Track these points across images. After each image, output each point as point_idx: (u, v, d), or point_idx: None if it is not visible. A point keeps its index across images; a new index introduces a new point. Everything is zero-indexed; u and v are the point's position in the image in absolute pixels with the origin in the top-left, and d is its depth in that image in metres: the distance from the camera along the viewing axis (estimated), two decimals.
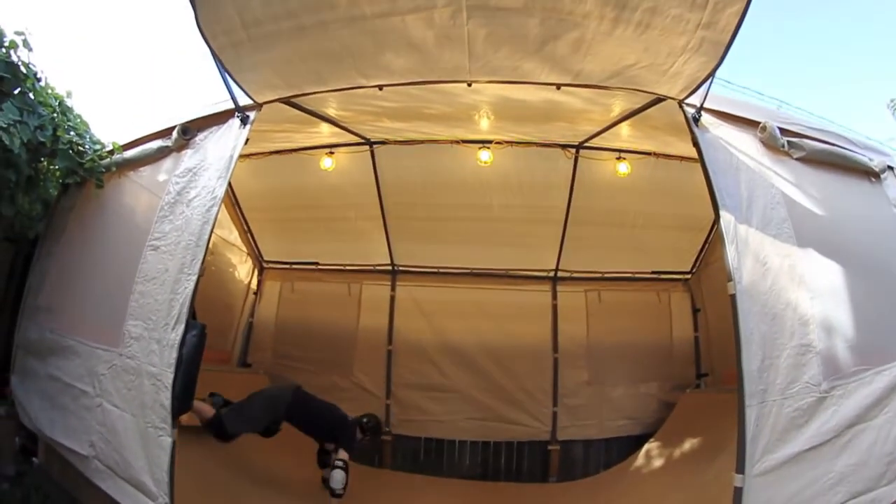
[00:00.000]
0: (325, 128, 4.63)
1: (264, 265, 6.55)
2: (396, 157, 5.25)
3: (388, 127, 4.71)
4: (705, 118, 3.31)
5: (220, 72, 3.23)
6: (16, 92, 3.62)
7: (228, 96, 3.44)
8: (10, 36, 3.57)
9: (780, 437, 2.75)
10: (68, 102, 4.24)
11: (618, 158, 5.03)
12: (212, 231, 3.24)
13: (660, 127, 4.08)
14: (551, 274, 6.22)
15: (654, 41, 2.82)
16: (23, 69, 3.65)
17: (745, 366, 2.75)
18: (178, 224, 3.41)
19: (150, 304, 3.28)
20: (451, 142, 4.99)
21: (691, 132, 3.25)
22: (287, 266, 6.51)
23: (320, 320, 6.28)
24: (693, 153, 3.25)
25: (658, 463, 5.15)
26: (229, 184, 3.56)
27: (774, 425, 2.74)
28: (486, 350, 6.02)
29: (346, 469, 4.02)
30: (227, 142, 3.50)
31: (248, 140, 3.49)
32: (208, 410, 4.02)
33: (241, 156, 3.65)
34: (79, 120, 4.35)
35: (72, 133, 4.15)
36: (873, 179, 3.76)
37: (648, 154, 5.02)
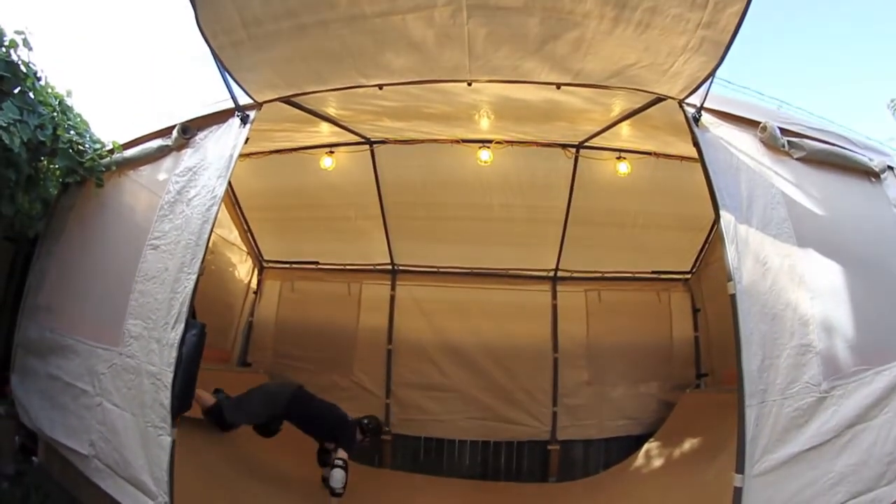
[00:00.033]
0: (325, 127, 4.63)
1: (264, 264, 6.55)
2: (396, 156, 5.25)
3: (388, 126, 4.71)
4: (705, 118, 3.30)
5: (220, 71, 3.23)
6: (16, 91, 3.61)
7: (228, 95, 3.44)
8: (10, 35, 3.56)
9: (780, 437, 2.75)
10: (68, 101, 4.24)
11: (618, 158, 5.02)
12: (212, 230, 3.24)
13: (660, 127, 4.08)
14: (551, 273, 6.22)
15: (654, 41, 2.81)
16: (23, 68, 3.64)
17: (745, 366, 2.75)
18: (178, 223, 3.41)
19: (150, 303, 3.28)
20: (452, 141, 4.98)
21: (691, 132, 3.25)
22: (287, 265, 6.51)
23: (320, 320, 6.28)
24: (693, 153, 3.25)
25: (658, 463, 5.15)
26: (229, 183, 3.56)
27: (774, 425, 2.74)
28: (486, 350, 6.02)
29: (345, 468, 4.03)
30: (227, 141, 3.50)
31: (248, 139, 3.49)
32: (209, 399, 4.15)
33: (241, 155, 3.64)
34: (79, 119, 4.35)
35: (72, 132, 4.15)
36: (873, 179, 3.76)
37: (649, 154, 5.02)
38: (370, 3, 2.74)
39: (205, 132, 3.73)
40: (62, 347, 3.90)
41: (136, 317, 3.33)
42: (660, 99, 3.45)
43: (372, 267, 6.30)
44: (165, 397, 2.98)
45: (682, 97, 3.27)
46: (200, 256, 3.18)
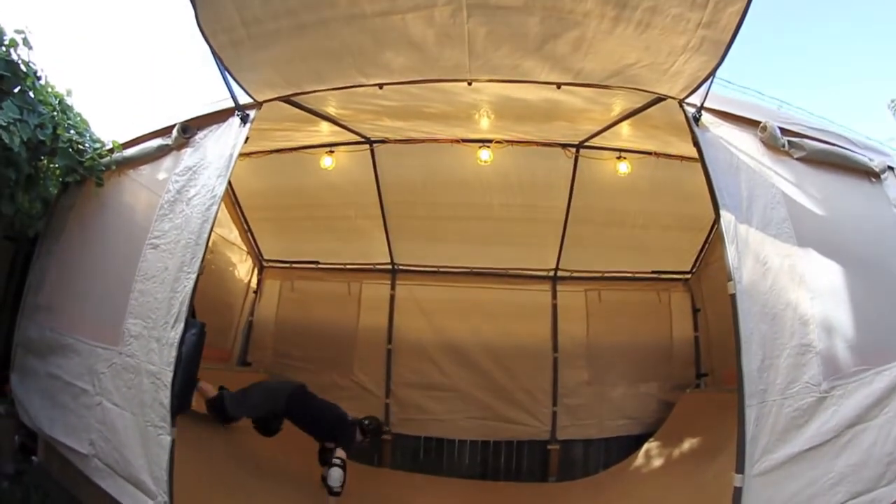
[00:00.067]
0: (325, 126, 4.63)
1: (264, 264, 6.55)
2: (396, 155, 5.25)
3: (388, 126, 4.71)
4: (706, 118, 3.30)
5: (220, 70, 3.23)
6: (16, 90, 3.61)
7: (228, 95, 3.44)
8: (10, 34, 3.56)
9: (779, 437, 2.75)
10: (68, 101, 4.23)
11: (618, 158, 5.02)
12: (211, 229, 3.24)
13: (660, 126, 4.08)
14: (551, 273, 6.22)
15: (654, 40, 2.81)
16: (23, 67, 3.64)
17: (745, 366, 2.75)
18: (178, 222, 3.41)
19: (150, 302, 3.28)
20: (452, 141, 4.98)
21: (692, 131, 3.24)
22: (287, 265, 6.51)
23: (320, 319, 6.28)
24: (693, 153, 3.25)
25: (658, 463, 5.15)
26: (229, 182, 3.56)
27: (774, 425, 2.74)
28: (486, 349, 6.02)
29: (343, 467, 4.03)
30: (226, 140, 3.50)
31: (248, 138, 3.49)
32: (212, 390, 4.29)
33: (241, 154, 3.64)
34: (79, 118, 4.35)
35: (72, 131, 4.14)
36: (873, 179, 3.75)
37: (649, 153, 5.02)
38: (370, 2, 2.73)
39: (205, 131, 3.73)
40: (62, 347, 3.90)
41: (136, 316, 3.33)
42: (660, 99, 3.45)
43: (372, 266, 6.30)
44: (165, 396, 2.98)
45: (682, 97, 3.26)
46: (200, 256, 3.18)
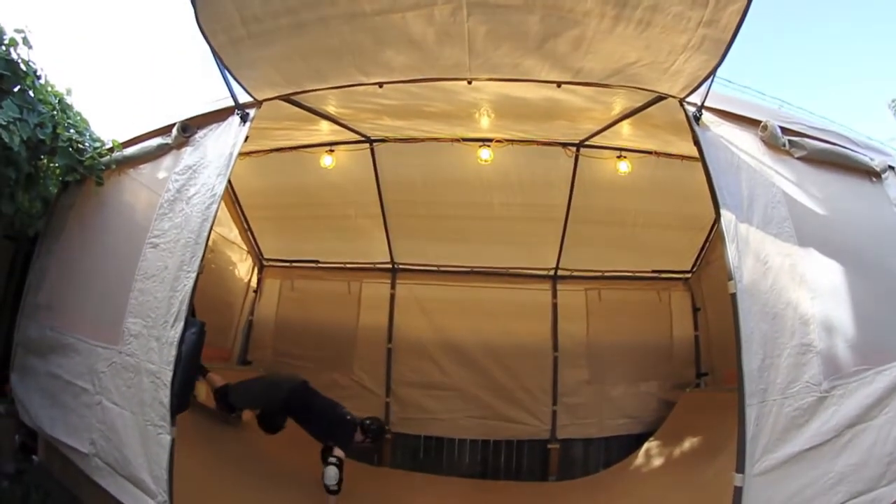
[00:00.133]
0: (325, 125, 4.62)
1: (264, 263, 6.55)
2: (397, 154, 5.24)
3: (388, 125, 4.71)
4: (706, 117, 3.30)
5: (220, 69, 3.23)
6: (15, 89, 3.61)
7: (228, 94, 3.44)
8: (9, 34, 3.55)
9: (780, 437, 2.75)
10: (68, 100, 4.23)
11: (618, 157, 5.02)
12: (211, 228, 3.24)
13: (661, 125, 4.08)
14: (551, 272, 6.22)
15: (655, 39, 2.81)
16: (22, 67, 3.63)
17: (746, 365, 2.75)
18: (178, 221, 3.41)
19: (150, 301, 3.28)
20: (452, 140, 4.97)
21: (692, 131, 3.24)
22: (287, 264, 6.50)
23: (320, 318, 6.28)
24: (694, 152, 3.24)
25: (658, 462, 5.15)
26: (229, 181, 3.56)
27: (775, 425, 2.74)
28: (486, 348, 6.01)
29: (339, 466, 4.03)
30: (226, 139, 3.50)
31: (247, 137, 3.49)
32: (219, 380, 4.48)
33: (241, 153, 3.64)
34: (79, 118, 4.34)
35: (71, 131, 4.14)
36: (874, 179, 3.75)
37: (649, 153, 5.01)
38: (370, 0, 2.73)
39: (204, 130, 3.73)
40: (62, 346, 3.90)
41: (136, 315, 3.33)
42: (660, 97, 3.45)
43: (372, 265, 6.30)
44: (165, 396, 2.98)
45: (682, 96, 3.26)
46: (200, 255, 3.18)
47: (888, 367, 3.07)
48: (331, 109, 4.33)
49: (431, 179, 5.48)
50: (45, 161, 4.18)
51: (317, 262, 6.35)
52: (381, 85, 3.55)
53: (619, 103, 3.94)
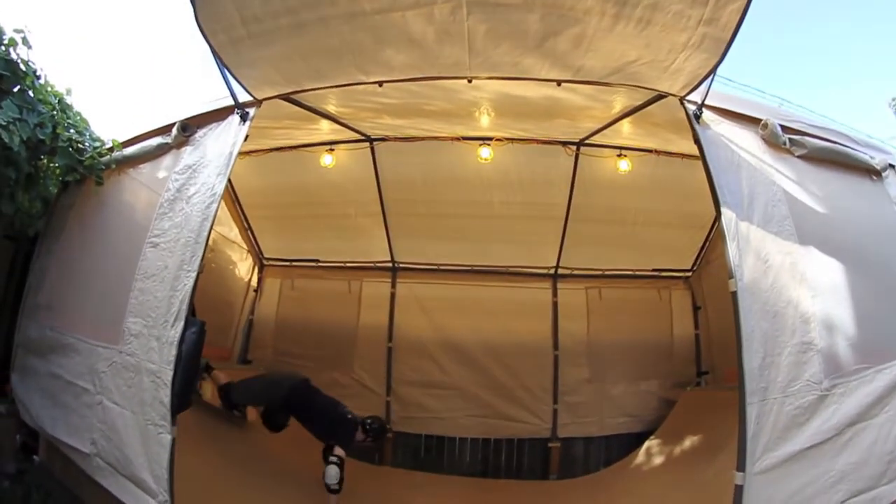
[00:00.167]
0: (325, 124, 4.62)
1: (264, 262, 6.55)
2: (397, 153, 5.24)
3: (388, 123, 4.70)
4: (707, 115, 3.29)
5: (220, 69, 3.23)
6: (15, 90, 3.60)
7: (228, 93, 3.43)
8: (9, 34, 3.55)
9: (780, 435, 2.74)
10: (68, 100, 4.22)
11: (619, 156, 5.01)
12: (211, 228, 3.24)
13: (661, 124, 4.07)
14: (552, 271, 6.22)
15: (655, 37, 2.80)
16: (22, 67, 3.63)
17: (746, 363, 2.75)
18: (178, 221, 3.41)
19: (150, 301, 3.28)
20: (452, 138, 4.97)
21: (692, 129, 3.24)
22: (287, 263, 6.50)
23: (321, 317, 6.28)
24: (694, 150, 3.24)
25: (658, 460, 5.15)
26: (229, 180, 3.56)
27: (775, 423, 2.74)
28: (487, 347, 6.02)
29: (340, 465, 4.04)
30: (226, 138, 3.49)
31: (247, 137, 3.49)
32: (223, 378, 4.61)
33: (241, 152, 3.64)
34: (78, 117, 4.33)
35: (71, 130, 4.13)
36: (875, 177, 3.74)
37: (649, 151, 5.01)
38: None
39: (204, 130, 3.72)
40: (63, 346, 3.90)
41: (136, 315, 3.33)
42: (661, 96, 3.45)
43: (372, 264, 6.30)
44: (165, 395, 2.98)
45: (683, 94, 3.25)
46: (200, 254, 3.18)
47: (889, 365, 3.07)
48: (331, 108, 4.32)
49: (431, 178, 5.48)
50: (45, 161, 4.18)
51: (317, 261, 6.35)
52: (381, 84, 3.55)
53: (620, 102, 3.93)
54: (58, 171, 4.32)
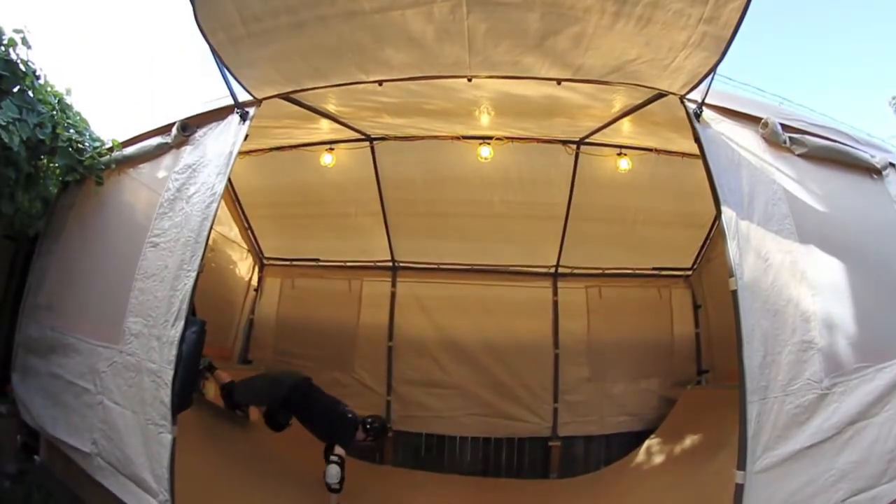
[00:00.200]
0: (325, 124, 4.62)
1: (265, 262, 6.55)
2: (397, 153, 5.24)
3: (388, 123, 4.70)
4: (707, 114, 3.29)
5: (220, 68, 3.23)
6: (15, 90, 3.60)
7: (228, 92, 3.43)
8: (8, 34, 3.55)
9: (781, 434, 2.75)
10: (67, 100, 4.22)
11: (619, 154, 5.01)
12: (211, 227, 3.24)
13: (661, 123, 4.07)
14: (552, 270, 6.21)
15: (655, 36, 2.80)
16: (22, 67, 3.63)
17: (747, 362, 2.75)
18: (178, 221, 3.41)
19: (150, 300, 3.28)
20: (452, 138, 4.97)
21: (693, 128, 3.24)
22: (287, 263, 6.50)
23: (321, 317, 6.28)
24: (694, 149, 3.24)
25: (659, 459, 5.16)
26: (229, 180, 3.56)
27: (776, 422, 2.74)
28: (487, 346, 6.01)
29: (340, 465, 4.04)
30: (226, 138, 3.49)
31: (247, 136, 3.49)
32: (226, 377, 4.66)
33: (241, 152, 3.64)
34: (78, 117, 4.33)
35: (71, 130, 4.13)
36: (875, 176, 3.74)
37: (649, 150, 5.00)
38: None
39: (204, 129, 3.72)
40: (63, 346, 3.90)
41: (137, 314, 3.33)
42: (661, 95, 3.44)
43: (372, 264, 6.30)
44: (166, 395, 2.98)
45: (683, 93, 3.25)
46: (200, 254, 3.18)
47: (889, 364, 3.07)
48: (330, 108, 4.32)
49: (431, 177, 5.48)
50: (45, 161, 4.18)
51: (317, 260, 6.35)
52: (380, 83, 3.54)
53: (620, 100, 3.93)
54: (58, 171, 4.32)
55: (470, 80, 3.48)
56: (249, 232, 6.27)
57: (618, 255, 6.08)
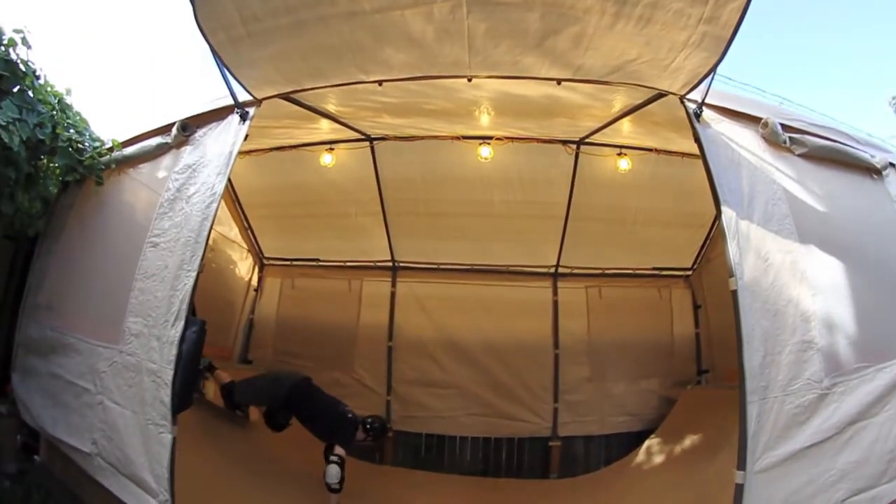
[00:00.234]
0: (325, 124, 4.62)
1: (265, 262, 6.55)
2: (397, 153, 5.24)
3: (388, 123, 4.70)
4: (707, 114, 3.29)
5: (219, 68, 3.23)
6: (15, 90, 3.60)
7: (228, 92, 3.43)
8: (8, 34, 3.54)
9: (781, 434, 2.75)
10: (67, 100, 4.22)
11: (619, 154, 5.01)
12: (211, 227, 3.24)
13: (661, 123, 4.07)
14: (552, 270, 6.21)
15: (655, 36, 2.80)
16: (21, 67, 3.62)
17: (747, 362, 2.75)
18: (178, 220, 3.41)
19: (150, 300, 3.28)
20: (452, 138, 4.97)
21: (693, 128, 3.24)
22: (287, 263, 6.50)
23: (321, 317, 6.28)
24: (694, 149, 3.24)
25: (659, 459, 5.16)
26: (229, 180, 3.56)
27: (776, 422, 2.74)
28: (487, 346, 6.01)
29: (340, 465, 4.04)
30: (226, 138, 3.49)
31: (247, 136, 3.49)
32: (226, 377, 4.67)
33: (241, 152, 3.65)
34: (78, 117, 4.33)
35: (71, 130, 4.13)
36: (875, 176, 3.74)
37: (649, 150, 5.00)
38: None
39: (204, 129, 3.72)
40: (63, 346, 3.90)
41: (137, 314, 3.33)
42: (661, 95, 3.44)
43: (372, 264, 6.30)
44: (166, 395, 2.98)
45: (683, 93, 3.25)
46: (200, 254, 3.18)
47: (889, 364, 3.07)
48: (330, 108, 4.32)
49: (432, 177, 5.48)
50: (45, 161, 4.18)
51: (317, 260, 6.35)
52: (380, 83, 3.54)
53: (620, 100, 3.93)
54: (58, 171, 4.32)
55: (470, 80, 3.48)
56: (249, 232, 6.27)
57: (618, 255, 6.08)
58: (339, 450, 4.14)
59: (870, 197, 3.69)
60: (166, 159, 3.87)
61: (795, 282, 2.99)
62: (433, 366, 6.02)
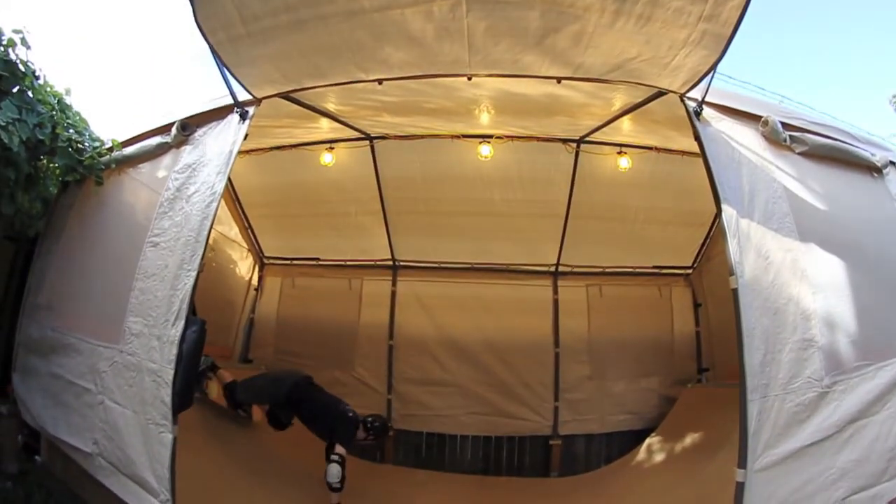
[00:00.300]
0: (325, 123, 4.61)
1: (265, 261, 6.55)
2: (397, 151, 5.24)
3: (388, 122, 4.69)
4: (707, 112, 3.29)
5: (219, 67, 3.22)
6: (14, 90, 3.60)
7: (227, 92, 3.43)
8: (8, 34, 3.55)
9: (781, 432, 2.75)
10: (67, 100, 4.23)
11: (619, 153, 5.01)
12: (211, 227, 3.24)
13: (661, 121, 4.06)
14: (552, 268, 6.21)
15: (655, 34, 2.79)
16: (21, 67, 3.63)
17: (747, 360, 2.75)
18: (178, 220, 3.41)
19: (150, 300, 3.28)
20: (452, 136, 4.96)
21: (693, 126, 3.23)
22: (288, 262, 6.50)
23: (321, 316, 6.28)
24: (694, 148, 3.23)
25: (659, 458, 5.16)
26: (229, 179, 3.56)
27: (776, 420, 2.74)
28: (488, 345, 6.01)
29: (341, 464, 4.04)
30: (226, 137, 3.49)
31: (247, 135, 3.48)
32: (228, 376, 4.70)
33: (241, 151, 3.64)
34: (78, 117, 4.34)
35: (71, 131, 4.13)
36: (875, 174, 3.75)
37: (650, 148, 4.99)
38: None
39: (204, 129, 3.72)
40: (64, 346, 3.91)
41: (137, 314, 3.33)
42: (661, 93, 3.44)
43: (373, 263, 6.29)
44: (166, 394, 2.98)
45: (683, 91, 3.24)
46: (200, 253, 3.18)
47: (890, 362, 3.07)
48: (330, 107, 4.32)
49: (432, 176, 5.47)
50: (45, 161, 4.18)
51: (317, 259, 6.35)
52: (380, 82, 3.53)
53: (620, 99, 3.92)
54: (57, 172, 4.32)
55: (470, 78, 3.47)
56: (249, 231, 6.27)
57: (618, 253, 6.07)
58: (339, 449, 4.14)
59: (870, 195, 3.70)
60: (166, 159, 3.87)
61: (796, 280, 2.99)
62: (434, 364, 6.02)
